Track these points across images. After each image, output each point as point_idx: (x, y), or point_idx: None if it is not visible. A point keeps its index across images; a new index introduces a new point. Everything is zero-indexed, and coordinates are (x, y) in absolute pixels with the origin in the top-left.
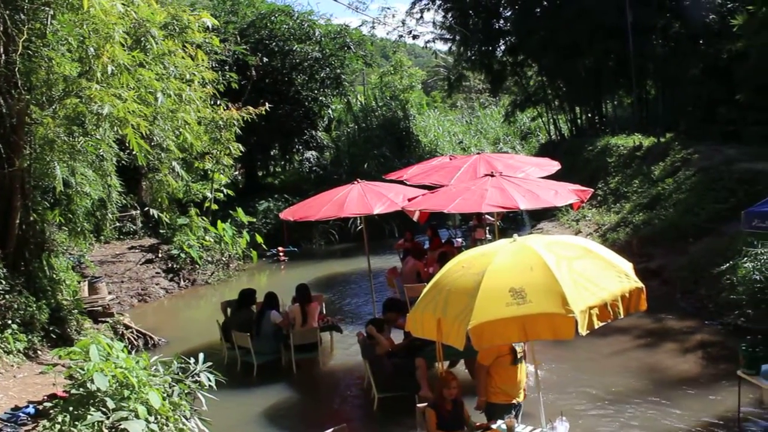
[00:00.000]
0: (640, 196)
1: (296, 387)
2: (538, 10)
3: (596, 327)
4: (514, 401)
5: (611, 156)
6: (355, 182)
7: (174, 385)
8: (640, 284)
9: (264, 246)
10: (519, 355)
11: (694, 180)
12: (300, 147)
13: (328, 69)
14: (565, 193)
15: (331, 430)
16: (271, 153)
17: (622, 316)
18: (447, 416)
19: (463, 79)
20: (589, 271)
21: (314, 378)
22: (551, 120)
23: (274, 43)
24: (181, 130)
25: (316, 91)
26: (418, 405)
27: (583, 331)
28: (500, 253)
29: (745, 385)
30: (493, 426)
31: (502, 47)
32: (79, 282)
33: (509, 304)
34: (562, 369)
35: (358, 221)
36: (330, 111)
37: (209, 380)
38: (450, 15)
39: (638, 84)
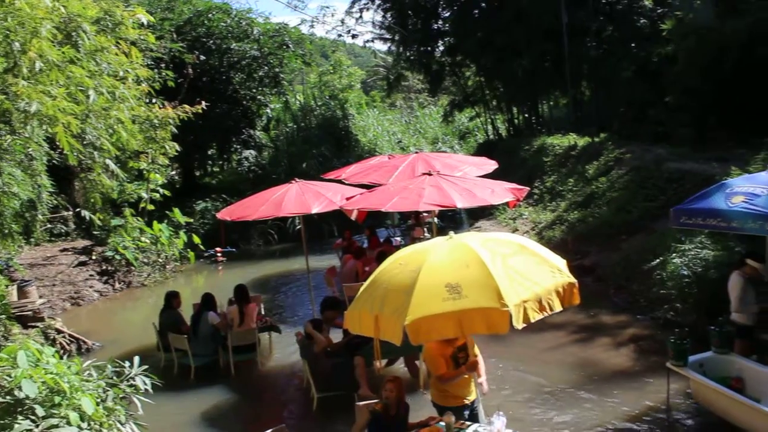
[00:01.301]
0: (575, 195)
1: (234, 389)
2: (477, 11)
3: (531, 321)
4: (465, 402)
5: (547, 155)
6: (293, 181)
7: (108, 390)
8: (573, 279)
9: (202, 247)
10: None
11: (627, 179)
12: (238, 146)
13: (266, 68)
14: (502, 192)
15: (270, 431)
16: (209, 152)
17: (556, 310)
18: (389, 419)
19: (402, 78)
20: (524, 267)
21: (253, 379)
22: (489, 120)
23: (211, 41)
24: (115, 128)
25: (254, 90)
26: (358, 404)
27: (517, 324)
28: (436, 250)
29: (674, 376)
30: (432, 423)
31: (441, 48)
32: (7, 286)
33: (445, 300)
34: (499, 365)
35: (297, 221)
36: (268, 110)
37: (145, 384)
38: (389, 15)
39: (573, 85)
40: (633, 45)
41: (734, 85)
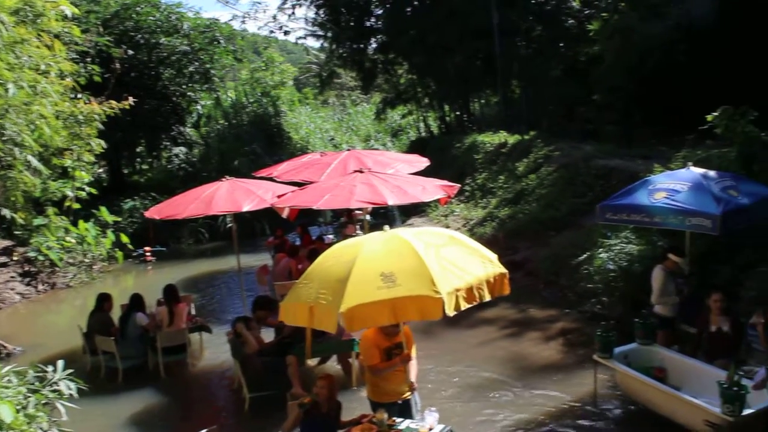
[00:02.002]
0: (506, 192)
1: (164, 391)
2: (409, 9)
3: (462, 309)
4: (400, 398)
5: (478, 153)
6: (224, 179)
7: (30, 396)
8: (504, 270)
9: (130, 246)
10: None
11: (555, 176)
12: (168, 143)
13: (197, 63)
14: (433, 189)
15: None
16: (138, 150)
17: (486, 299)
18: (320, 417)
19: (335, 76)
20: (456, 257)
21: (183, 381)
22: (421, 117)
23: (139, 36)
24: (37, 123)
25: (184, 86)
26: (290, 403)
27: (450, 311)
28: (371, 242)
29: (601, 367)
30: (363, 421)
31: (374, 45)
32: None
33: (380, 288)
34: (431, 361)
35: (228, 219)
36: (199, 107)
37: (70, 388)
38: (321, 11)
39: (504, 83)
40: (561, 45)
41: (657, 84)
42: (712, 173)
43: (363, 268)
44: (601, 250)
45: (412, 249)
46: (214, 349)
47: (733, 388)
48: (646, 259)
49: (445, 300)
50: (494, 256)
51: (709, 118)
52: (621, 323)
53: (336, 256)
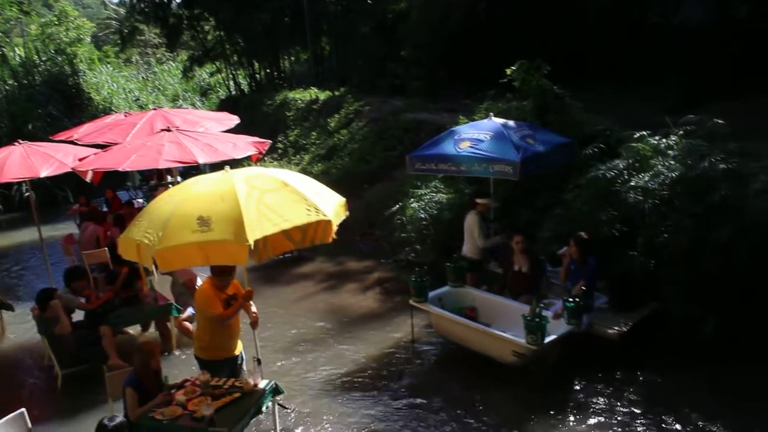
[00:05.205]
0: (318, 148)
1: None
2: None
3: (273, 256)
4: (230, 354)
5: (290, 110)
6: (17, 144)
7: None
8: (329, 218)
9: None
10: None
11: (366, 130)
12: None
13: None
14: (244, 146)
15: (6, 418)
16: None
17: (305, 246)
18: (153, 390)
19: (138, 32)
20: (278, 203)
21: None
22: (231, 75)
23: None
24: None
25: None
26: (107, 374)
27: (256, 259)
28: (202, 183)
29: (417, 312)
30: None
31: (178, 0)
32: None
33: (194, 231)
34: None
35: (25, 187)
36: None
37: None
38: None
39: (314, 40)
40: (370, 1)
41: (460, 41)
42: (511, 123)
43: (184, 210)
44: (412, 200)
45: (233, 193)
46: (17, 328)
47: (535, 320)
48: (455, 206)
49: (252, 247)
50: (337, 200)
51: (508, 72)
52: (434, 269)
53: (170, 194)
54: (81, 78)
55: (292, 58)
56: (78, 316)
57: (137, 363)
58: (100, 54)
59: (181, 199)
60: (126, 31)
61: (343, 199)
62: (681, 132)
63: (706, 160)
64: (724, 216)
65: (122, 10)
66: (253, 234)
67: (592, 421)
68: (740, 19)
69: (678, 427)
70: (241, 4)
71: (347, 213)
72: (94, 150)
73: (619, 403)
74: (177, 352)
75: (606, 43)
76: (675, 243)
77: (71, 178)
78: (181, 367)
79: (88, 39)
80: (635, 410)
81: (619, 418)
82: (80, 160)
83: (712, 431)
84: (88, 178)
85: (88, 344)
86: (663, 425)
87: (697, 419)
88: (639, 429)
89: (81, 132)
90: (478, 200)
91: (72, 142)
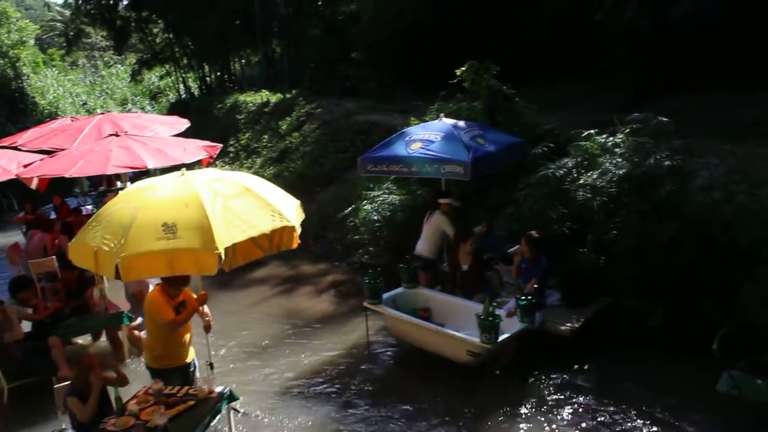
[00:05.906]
0: (270, 151)
1: None
2: None
3: (242, 264)
4: (182, 363)
5: (241, 113)
6: None
7: None
8: (292, 224)
9: None
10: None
11: (318, 133)
12: None
13: None
14: (194, 150)
15: None
16: None
17: (272, 253)
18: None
19: (84, 35)
20: (243, 210)
21: None
22: (180, 79)
23: None
24: None
25: None
26: (56, 386)
27: (226, 267)
28: (162, 187)
29: (372, 314)
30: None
31: (125, 1)
32: None
33: (160, 239)
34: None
35: None
36: None
37: None
38: None
39: (264, 43)
40: (320, 3)
41: (411, 42)
42: (461, 123)
43: (147, 216)
44: (365, 202)
45: (198, 199)
46: None
47: (489, 319)
48: (408, 207)
49: (222, 255)
50: (291, 207)
51: (458, 72)
52: (387, 270)
53: (126, 199)
54: (25, 82)
55: (243, 61)
56: (26, 327)
57: (74, 377)
58: (44, 57)
59: (140, 205)
60: (71, 33)
61: (298, 202)
62: (627, 130)
63: (651, 157)
64: (669, 212)
65: (67, 12)
66: (221, 242)
67: (549, 416)
68: (676, 20)
69: (633, 414)
70: (189, 7)
71: (303, 216)
72: (40, 156)
73: (574, 397)
74: (129, 361)
75: (557, 43)
76: (623, 239)
77: (16, 185)
78: (132, 377)
79: (32, 41)
80: (590, 402)
81: (575, 411)
82: (25, 166)
83: (663, 418)
84: (34, 185)
85: (36, 356)
86: (617, 416)
87: (649, 407)
88: (596, 420)
89: (25, 138)
90: (441, 200)
91: (16, 148)
